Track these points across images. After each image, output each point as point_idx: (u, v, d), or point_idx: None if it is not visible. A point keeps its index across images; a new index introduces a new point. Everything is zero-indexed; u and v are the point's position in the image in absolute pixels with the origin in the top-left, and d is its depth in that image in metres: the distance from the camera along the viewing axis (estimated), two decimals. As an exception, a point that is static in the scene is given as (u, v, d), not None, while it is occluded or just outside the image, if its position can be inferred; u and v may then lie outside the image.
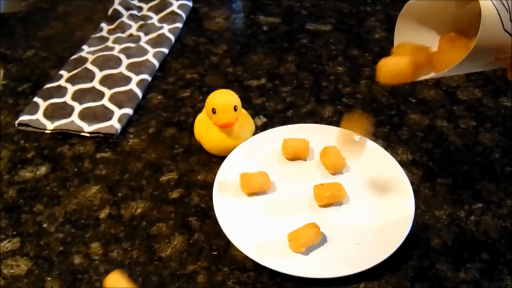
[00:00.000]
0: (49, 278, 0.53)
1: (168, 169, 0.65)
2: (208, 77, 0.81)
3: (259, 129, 0.70)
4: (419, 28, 0.51)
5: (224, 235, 0.54)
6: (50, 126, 0.71)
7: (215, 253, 0.55)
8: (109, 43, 0.86)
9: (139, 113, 0.74)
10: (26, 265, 0.55)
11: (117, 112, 0.72)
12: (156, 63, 0.82)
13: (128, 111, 0.73)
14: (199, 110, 0.69)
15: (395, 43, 0.52)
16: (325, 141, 0.64)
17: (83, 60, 0.82)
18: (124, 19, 0.91)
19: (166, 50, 0.85)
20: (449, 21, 0.50)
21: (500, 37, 0.44)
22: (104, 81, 0.78)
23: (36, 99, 0.75)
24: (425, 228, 0.57)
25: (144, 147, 0.69)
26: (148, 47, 0.84)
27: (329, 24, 0.93)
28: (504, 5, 0.43)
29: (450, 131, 0.69)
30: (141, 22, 0.91)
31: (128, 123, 0.72)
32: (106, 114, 0.72)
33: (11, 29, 0.95)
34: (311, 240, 0.54)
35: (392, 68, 0.49)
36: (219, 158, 0.64)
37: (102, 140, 0.70)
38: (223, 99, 0.62)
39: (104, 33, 0.89)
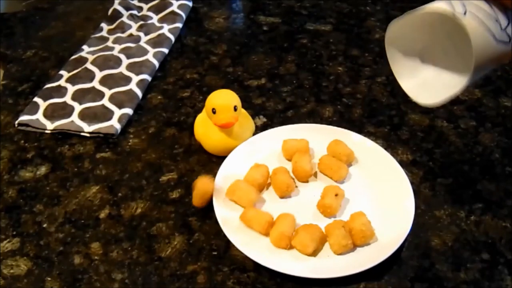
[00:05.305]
0: (49, 278, 0.53)
1: (168, 169, 0.65)
2: (208, 77, 0.81)
3: (259, 129, 0.70)
4: (409, 47, 0.51)
5: (224, 235, 0.54)
6: (50, 126, 0.71)
7: (215, 253, 0.55)
8: (109, 43, 0.86)
9: (139, 113, 0.74)
10: (26, 265, 0.55)
11: (117, 112, 0.72)
12: (156, 63, 0.82)
13: (128, 111, 0.73)
14: (199, 110, 0.69)
15: (391, 64, 0.52)
16: (325, 141, 0.64)
17: (83, 60, 0.82)
18: (124, 19, 0.91)
19: (166, 50, 0.85)
20: (437, 30, 0.49)
21: (496, 50, 0.43)
22: (104, 81, 0.77)
23: (36, 99, 0.75)
24: (425, 228, 0.57)
25: (144, 147, 0.69)
26: (148, 47, 0.84)
27: (329, 24, 0.93)
28: (491, 16, 0.42)
29: (450, 131, 0.69)
30: (141, 22, 0.91)
31: (128, 123, 0.72)
32: (106, 114, 0.72)
33: (11, 29, 0.95)
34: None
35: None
36: (219, 158, 0.64)
37: (102, 140, 0.70)
38: (223, 99, 0.62)
39: (104, 33, 0.89)
